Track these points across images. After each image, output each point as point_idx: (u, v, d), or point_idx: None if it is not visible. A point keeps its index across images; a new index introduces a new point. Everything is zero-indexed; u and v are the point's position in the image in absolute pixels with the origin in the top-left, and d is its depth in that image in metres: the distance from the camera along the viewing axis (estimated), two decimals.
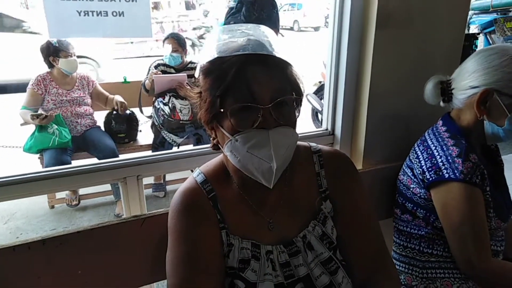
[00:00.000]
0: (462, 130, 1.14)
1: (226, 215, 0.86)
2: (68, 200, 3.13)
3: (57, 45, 2.75)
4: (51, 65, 2.82)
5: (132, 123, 3.25)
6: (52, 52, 2.76)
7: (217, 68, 0.77)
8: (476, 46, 2.90)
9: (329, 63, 1.40)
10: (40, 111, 2.75)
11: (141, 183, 1.20)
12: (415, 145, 1.23)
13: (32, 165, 2.84)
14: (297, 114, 0.82)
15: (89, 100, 3.02)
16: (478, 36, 3.51)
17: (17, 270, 0.94)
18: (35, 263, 0.95)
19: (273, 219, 0.87)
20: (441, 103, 1.20)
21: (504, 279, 1.06)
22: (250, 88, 0.74)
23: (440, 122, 1.20)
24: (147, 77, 3.14)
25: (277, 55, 0.78)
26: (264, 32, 0.81)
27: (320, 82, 4.79)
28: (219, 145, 0.85)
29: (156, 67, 3.18)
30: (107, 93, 3.12)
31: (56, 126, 2.77)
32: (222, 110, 0.76)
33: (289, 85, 0.80)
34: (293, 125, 0.81)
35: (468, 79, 1.09)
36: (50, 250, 0.96)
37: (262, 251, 0.84)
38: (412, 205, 1.19)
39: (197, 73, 3.23)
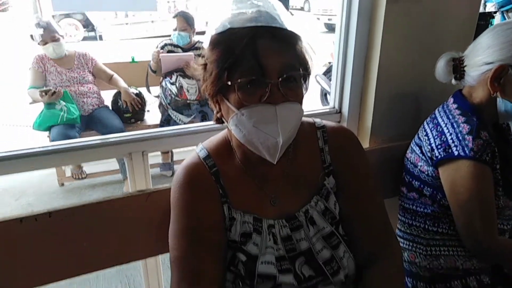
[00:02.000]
0: (473, 107, 1.11)
1: (228, 190, 0.85)
2: (75, 175, 3.20)
3: (41, 32, 2.74)
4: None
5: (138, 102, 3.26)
6: (39, 37, 2.76)
7: (226, 39, 0.75)
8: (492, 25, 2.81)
9: (338, 39, 1.36)
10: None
11: (146, 158, 1.21)
12: (425, 122, 1.21)
13: (41, 143, 2.88)
14: (304, 90, 0.81)
15: (90, 78, 3.01)
16: (494, 14, 3.39)
17: (24, 242, 0.95)
18: (42, 235, 0.97)
19: (276, 194, 0.87)
20: (453, 81, 1.17)
21: (509, 257, 1.05)
22: (259, 61, 0.73)
23: (451, 100, 1.18)
24: (154, 57, 3.12)
25: (288, 28, 0.76)
26: (274, 5, 0.79)
27: (329, 62, 4.72)
28: (223, 119, 0.84)
29: (162, 47, 3.15)
30: (110, 72, 3.09)
31: (64, 103, 2.79)
32: (229, 83, 0.75)
33: (298, 61, 0.78)
34: (300, 101, 0.80)
35: (482, 54, 1.06)
36: (56, 223, 0.97)
37: (264, 225, 0.84)
38: (419, 183, 1.18)
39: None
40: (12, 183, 3.29)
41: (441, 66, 1.16)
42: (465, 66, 1.11)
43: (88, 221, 1.01)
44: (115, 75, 3.09)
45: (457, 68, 1.14)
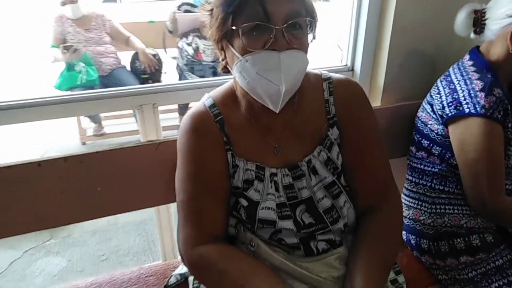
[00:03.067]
0: (489, 64, 1.07)
1: (232, 138, 0.87)
2: (95, 131, 3.31)
3: None
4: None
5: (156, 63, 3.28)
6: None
7: None
8: None
9: None
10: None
11: (156, 111, 1.23)
12: (438, 80, 1.18)
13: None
14: (310, 39, 0.80)
15: (107, 39, 3.03)
16: None
17: (42, 185, 1.02)
18: (58, 179, 1.03)
19: (279, 144, 0.89)
20: (472, 35, 1.12)
21: None
22: (264, 6, 0.72)
23: (467, 57, 1.14)
24: (171, 18, 3.10)
25: None
26: None
27: None
28: (228, 67, 0.84)
29: (179, 7, 3.12)
30: (127, 33, 3.09)
31: (83, 65, 2.84)
32: (233, 28, 0.75)
33: (305, 8, 0.77)
34: (305, 50, 0.79)
35: (506, 6, 1.01)
36: (71, 167, 1.03)
37: (267, 173, 0.87)
38: (428, 142, 1.17)
39: None
40: (35, 141, 3.44)
41: (461, 18, 1.12)
42: (487, 19, 1.07)
43: (101, 167, 1.06)
44: (132, 37, 3.09)
45: (478, 21, 1.09)
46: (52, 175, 1.01)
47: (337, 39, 3.56)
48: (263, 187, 0.86)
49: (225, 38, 0.79)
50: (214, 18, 0.79)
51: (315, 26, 0.81)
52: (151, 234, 2.31)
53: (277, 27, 0.73)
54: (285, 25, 0.73)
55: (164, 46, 3.37)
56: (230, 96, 0.90)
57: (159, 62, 3.29)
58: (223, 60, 0.85)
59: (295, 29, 0.75)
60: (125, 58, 3.21)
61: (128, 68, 3.19)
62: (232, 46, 0.78)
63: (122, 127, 3.42)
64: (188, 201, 0.85)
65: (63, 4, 2.80)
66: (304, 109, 0.90)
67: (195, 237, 0.83)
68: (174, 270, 1.11)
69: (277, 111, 0.80)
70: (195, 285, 0.95)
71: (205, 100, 0.91)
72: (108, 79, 3.03)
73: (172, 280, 1.08)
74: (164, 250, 1.45)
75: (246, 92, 0.82)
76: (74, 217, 1.09)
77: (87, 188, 1.06)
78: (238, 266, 0.79)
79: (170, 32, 3.18)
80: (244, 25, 0.73)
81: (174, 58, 3.37)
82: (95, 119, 3.30)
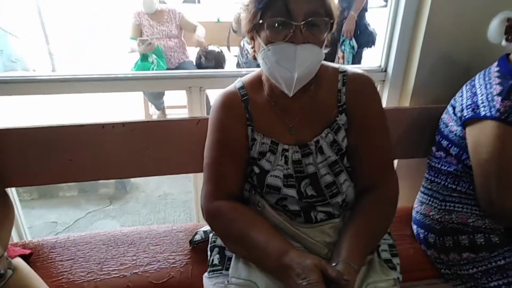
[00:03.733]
0: None
1: (254, 116, 1.03)
2: (159, 118, 3.66)
3: None
4: None
5: (219, 60, 3.54)
6: None
7: None
8: None
9: None
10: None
11: (203, 94, 1.44)
12: (464, 85, 1.23)
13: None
14: (325, 34, 0.93)
15: (177, 32, 3.33)
16: None
17: (104, 143, 1.26)
18: (116, 139, 1.27)
19: (294, 125, 1.03)
20: (503, 42, 1.16)
21: None
22: (287, 5, 0.87)
23: (496, 63, 1.18)
24: (236, 18, 3.34)
25: None
26: None
27: None
28: (255, 54, 1.00)
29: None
30: (195, 23, 3.36)
31: (155, 56, 3.18)
32: (261, 21, 0.90)
33: (324, 9, 0.90)
34: (320, 45, 0.92)
35: None
36: (128, 131, 1.26)
37: (279, 148, 1.01)
38: (447, 143, 1.22)
39: None
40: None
41: (494, 25, 1.15)
42: None
43: (151, 134, 1.28)
44: (199, 26, 3.35)
45: (511, 29, 1.13)
46: (112, 135, 1.26)
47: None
48: (274, 159, 1.01)
49: (254, 29, 0.95)
50: (248, 12, 0.96)
51: (332, 25, 0.94)
52: (194, 212, 2.54)
53: (296, 23, 0.87)
54: (303, 22, 0.87)
55: (228, 45, 3.63)
56: (257, 81, 1.07)
57: (223, 59, 3.56)
58: (252, 48, 1.02)
59: (312, 27, 0.89)
60: (193, 54, 3.52)
61: (194, 63, 3.49)
62: (259, 37, 0.94)
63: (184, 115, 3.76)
64: (212, 164, 1.02)
65: None
66: (319, 96, 1.03)
67: (214, 193, 1.00)
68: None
69: (290, 95, 0.94)
70: (212, 239, 1.13)
71: (237, 82, 1.08)
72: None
73: (197, 237, 1.26)
74: (198, 213, 1.65)
75: (268, 77, 0.98)
76: (127, 172, 1.33)
77: (139, 149, 1.28)
78: (244, 218, 0.95)
79: (235, 31, 3.43)
80: (269, 19, 0.89)
81: (235, 56, 3.62)
82: (159, 107, 3.65)
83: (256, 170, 1.01)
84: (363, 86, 1.02)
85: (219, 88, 1.14)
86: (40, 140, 1.22)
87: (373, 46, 3.38)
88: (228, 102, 1.04)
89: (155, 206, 2.62)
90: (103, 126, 1.25)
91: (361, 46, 3.29)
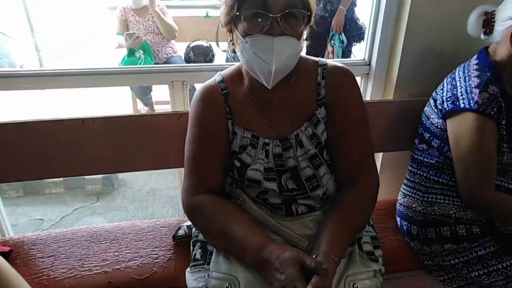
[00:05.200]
0: (493, 64, 1.11)
1: (234, 109, 1.02)
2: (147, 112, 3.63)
3: None
4: None
5: (209, 56, 3.52)
6: None
7: None
8: None
9: None
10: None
11: (185, 88, 1.42)
12: (445, 78, 1.24)
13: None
14: (303, 27, 0.92)
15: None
16: None
17: (85, 138, 1.24)
18: (97, 135, 1.25)
19: (274, 118, 1.02)
20: (482, 36, 1.17)
21: (501, 212, 1.09)
22: None
23: (475, 56, 1.19)
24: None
25: None
26: None
27: None
28: (234, 47, 0.99)
29: None
30: (173, 24, 3.25)
31: (142, 52, 3.14)
32: (238, 13, 0.89)
33: (301, 1, 0.89)
34: (298, 37, 0.91)
35: (509, 8, 1.06)
36: (109, 126, 1.25)
37: (260, 142, 1.01)
38: (429, 135, 1.23)
39: None
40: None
41: (471, 20, 1.16)
42: (495, 21, 1.11)
43: (132, 129, 1.27)
44: (173, 24, 3.22)
45: (488, 22, 1.14)
46: (93, 130, 1.24)
47: None
48: (255, 152, 1.00)
49: (231, 22, 0.94)
50: (225, 5, 0.95)
51: (310, 18, 0.93)
52: (180, 206, 2.54)
53: (273, 15, 0.86)
54: (280, 14, 0.86)
55: (217, 40, 3.60)
56: (237, 74, 1.06)
57: (211, 53, 3.54)
58: (230, 41, 1.00)
59: (290, 18, 0.88)
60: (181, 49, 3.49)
61: (183, 58, 3.46)
62: (237, 29, 0.93)
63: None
64: (192, 158, 1.02)
65: None
66: (298, 90, 1.02)
67: (194, 187, 1.00)
68: None
69: (269, 87, 0.93)
70: (195, 234, 1.12)
71: (216, 76, 1.07)
72: None
73: (181, 232, 1.25)
74: (183, 207, 1.64)
75: (248, 71, 0.97)
76: (109, 168, 1.32)
77: (121, 145, 1.27)
78: (224, 213, 0.94)
79: (223, 26, 3.40)
80: (246, 11, 0.88)
81: (224, 51, 3.59)
82: (147, 102, 3.62)
83: (237, 164, 1.00)
84: (342, 78, 1.02)
85: (202, 82, 1.13)
86: (18, 136, 1.20)
87: (362, 41, 3.38)
88: (208, 96, 1.03)
89: (143, 202, 2.61)
90: (83, 121, 1.23)
91: (350, 41, 3.29)
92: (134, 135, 1.27)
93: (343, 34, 3.25)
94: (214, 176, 1.01)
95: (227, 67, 1.41)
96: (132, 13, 3.18)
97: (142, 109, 3.76)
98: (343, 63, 1.47)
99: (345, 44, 3.27)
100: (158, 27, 3.24)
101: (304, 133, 1.00)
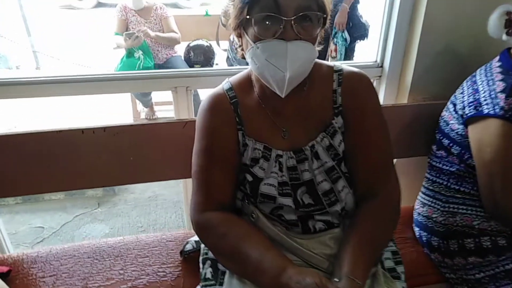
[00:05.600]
0: None
1: (244, 119, 0.95)
2: (148, 116, 3.57)
3: None
4: None
5: (208, 55, 3.44)
6: None
7: None
8: None
9: None
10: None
11: (189, 94, 1.35)
12: (465, 81, 1.17)
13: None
14: (318, 30, 0.85)
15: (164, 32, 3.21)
16: None
17: (84, 149, 1.18)
18: (97, 145, 1.18)
19: (287, 128, 0.95)
20: (504, 37, 1.11)
21: None
22: None
23: (497, 58, 1.12)
24: (225, 11, 3.23)
25: None
26: None
27: None
28: (243, 53, 0.92)
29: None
30: (175, 29, 3.21)
31: (141, 52, 3.07)
32: (248, 17, 0.82)
33: (316, 2, 0.82)
34: (313, 41, 0.84)
35: None
36: (109, 137, 1.18)
37: (273, 154, 0.94)
38: (448, 141, 1.17)
39: None
40: (93, 122, 3.76)
41: (493, 19, 1.10)
42: None
43: (135, 139, 1.20)
44: (173, 34, 3.20)
45: (511, 22, 1.07)
46: (93, 141, 1.17)
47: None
48: (268, 166, 0.94)
49: (241, 25, 0.87)
50: (234, 8, 0.88)
51: (325, 20, 0.86)
52: (185, 213, 2.47)
53: (286, 18, 0.79)
54: (294, 17, 0.79)
55: (217, 39, 3.53)
56: (246, 81, 0.99)
57: (212, 53, 3.47)
58: (239, 46, 0.94)
59: (304, 21, 0.81)
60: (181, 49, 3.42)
61: (183, 58, 3.39)
62: (247, 34, 0.86)
63: (173, 113, 3.64)
64: (200, 172, 0.95)
65: None
66: (313, 97, 0.95)
67: (204, 204, 0.93)
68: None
69: (283, 96, 0.86)
70: (204, 251, 1.05)
71: (224, 84, 1.00)
72: (163, 67, 3.24)
73: (188, 247, 1.19)
74: (188, 220, 1.58)
75: (258, 78, 0.90)
76: (109, 180, 1.24)
77: (122, 156, 1.20)
78: (236, 230, 0.88)
79: (224, 25, 3.32)
80: (257, 15, 0.81)
81: (225, 50, 3.52)
82: (146, 104, 3.55)
83: (249, 178, 0.93)
84: (359, 84, 0.95)
85: (206, 88, 1.06)
86: (15, 148, 1.13)
87: (366, 38, 3.31)
88: (216, 105, 0.96)
89: (145, 208, 2.54)
90: (82, 131, 1.16)
91: (353, 39, 3.22)
92: (136, 145, 1.20)
93: (346, 32, 3.18)
94: (225, 191, 0.95)
95: (233, 72, 1.34)
96: (133, 12, 3.11)
97: (142, 110, 3.70)
98: (354, 65, 1.40)
99: (348, 42, 3.21)
100: (160, 28, 3.18)
101: (320, 144, 0.93)
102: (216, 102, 0.97)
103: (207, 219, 0.91)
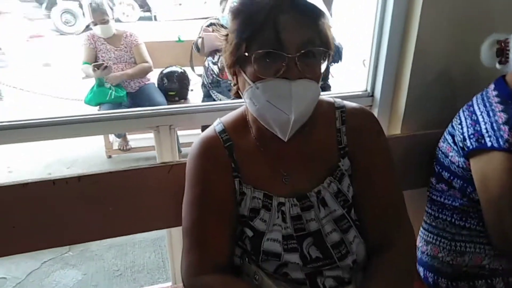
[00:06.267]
0: None
1: (241, 165, 0.86)
2: (121, 146, 3.40)
3: (92, 13, 2.88)
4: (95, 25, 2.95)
5: (183, 82, 3.35)
6: (90, 17, 2.91)
7: (247, 9, 0.75)
8: None
9: (374, 15, 1.29)
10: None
11: (173, 133, 1.24)
12: (461, 110, 1.13)
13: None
14: (323, 67, 0.79)
15: (135, 59, 3.10)
16: None
17: (56, 202, 1.03)
18: (71, 197, 1.04)
19: (288, 173, 0.87)
20: (497, 66, 1.08)
21: None
22: (278, 34, 0.71)
23: (492, 86, 1.09)
24: (199, 36, 3.16)
25: (312, 2, 0.74)
26: None
27: None
28: (240, 92, 0.84)
29: (208, 25, 3.18)
30: (147, 58, 3.10)
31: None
32: (246, 54, 0.75)
33: (319, 37, 0.76)
34: (317, 79, 0.78)
35: None
36: (85, 187, 1.04)
37: (274, 202, 0.85)
38: (449, 174, 1.11)
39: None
40: (64, 153, 3.56)
41: (484, 49, 1.09)
42: (510, 49, 1.02)
43: (114, 187, 1.07)
44: (144, 65, 3.08)
45: (503, 51, 1.05)
46: (66, 193, 1.03)
47: (363, 57, 3.53)
48: (269, 216, 0.84)
49: (238, 63, 0.79)
50: (229, 44, 0.79)
51: (330, 57, 0.80)
52: (166, 252, 2.31)
53: (290, 55, 0.72)
54: (298, 54, 0.72)
55: (192, 64, 3.44)
56: (241, 122, 0.90)
57: (186, 80, 3.38)
58: (235, 85, 0.85)
59: (308, 58, 0.74)
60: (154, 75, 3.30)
61: (156, 85, 3.27)
62: (244, 73, 0.78)
63: (148, 142, 3.47)
64: (193, 228, 0.84)
65: (94, 24, 2.92)
66: (315, 137, 0.88)
67: (199, 265, 0.82)
68: None
69: (286, 140, 0.78)
70: None
71: (216, 125, 0.91)
72: (136, 95, 3.12)
73: None
74: (175, 271, 1.44)
75: (256, 118, 0.82)
76: (85, 236, 1.10)
77: (99, 207, 1.07)
78: None
79: (198, 50, 3.25)
80: (257, 52, 0.73)
81: (199, 75, 3.43)
82: (119, 134, 3.39)
83: (249, 233, 0.83)
84: (365, 123, 0.89)
85: (193, 126, 0.96)
86: None
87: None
88: (208, 150, 0.87)
89: (121, 249, 2.36)
90: (53, 182, 1.02)
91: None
92: (116, 194, 1.07)
93: None
94: (222, 249, 0.84)
95: (222, 108, 1.25)
96: (102, 41, 2.98)
97: (115, 140, 3.52)
98: (345, 96, 1.35)
99: None
100: (131, 56, 3.06)
101: (327, 190, 0.85)
102: (209, 147, 0.87)
103: (203, 284, 0.80)
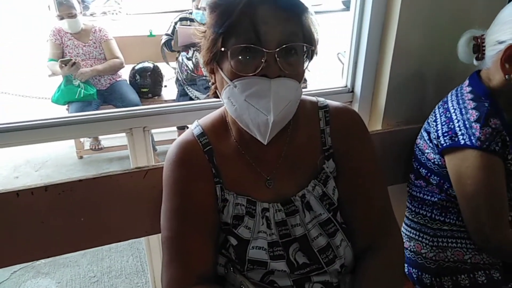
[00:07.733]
0: (489, 91, 1.01)
1: (222, 170, 0.82)
2: (92, 146, 3.28)
3: (59, 6, 2.74)
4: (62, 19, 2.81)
5: (156, 78, 3.25)
6: (56, 10, 2.76)
7: (224, 2, 0.70)
8: None
9: (353, 12, 1.27)
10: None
11: (147, 135, 1.18)
12: (436, 107, 1.13)
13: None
14: (305, 65, 0.75)
15: (105, 55, 2.99)
16: None
17: (21, 214, 0.96)
18: (38, 209, 0.97)
19: (271, 176, 0.83)
20: (475, 62, 1.08)
21: None
22: (256, 28, 0.67)
23: (466, 82, 1.09)
24: (168, 35, 3.07)
25: None
26: None
27: None
28: (218, 92, 0.79)
29: (179, 20, 3.09)
30: (116, 55, 2.99)
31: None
32: (223, 49, 0.70)
33: (302, 32, 0.72)
34: (299, 78, 0.74)
35: (497, 32, 0.97)
36: (52, 197, 0.97)
37: (258, 208, 0.81)
38: (426, 171, 1.11)
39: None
40: (33, 154, 3.39)
41: (461, 45, 1.08)
42: (485, 45, 1.02)
43: (85, 196, 1.00)
44: (115, 61, 2.97)
45: (479, 47, 1.04)
46: (31, 205, 0.95)
47: (337, 51, 3.53)
48: (254, 223, 0.80)
49: (214, 59, 0.74)
50: (206, 39, 0.75)
51: (313, 54, 0.76)
52: (144, 255, 2.24)
53: (268, 50, 0.67)
54: (278, 49, 0.68)
55: (166, 60, 3.34)
56: (221, 124, 0.85)
57: (160, 76, 3.27)
58: (213, 84, 0.80)
59: (289, 55, 0.70)
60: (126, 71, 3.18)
61: (128, 81, 3.16)
62: (222, 70, 0.73)
63: (121, 140, 3.36)
64: (173, 239, 0.79)
65: (61, 18, 2.77)
66: (298, 139, 0.84)
67: (181, 279, 0.77)
68: None
69: (265, 143, 0.74)
70: None
71: (194, 128, 0.86)
72: (107, 93, 3.00)
73: None
74: (154, 276, 1.39)
75: (235, 119, 0.77)
76: (55, 250, 1.02)
77: (70, 218, 1.00)
78: None
79: (169, 49, 3.15)
80: (234, 47, 0.68)
81: (174, 68, 3.33)
82: None
83: (233, 241, 0.79)
84: (349, 123, 0.86)
85: (168, 127, 0.90)
86: None
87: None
88: (187, 156, 0.82)
89: (97, 253, 2.27)
90: (17, 193, 0.94)
91: None
92: (88, 203, 1.00)
93: None
94: (205, 260, 0.80)
95: (200, 107, 1.20)
96: (69, 36, 2.83)
97: (86, 140, 3.38)
98: (325, 92, 1.33)
99: None
100: (101, 52, 2.92)
101: (312, 193, 0.82)
102: (186, 152, 0.82)
103: None
